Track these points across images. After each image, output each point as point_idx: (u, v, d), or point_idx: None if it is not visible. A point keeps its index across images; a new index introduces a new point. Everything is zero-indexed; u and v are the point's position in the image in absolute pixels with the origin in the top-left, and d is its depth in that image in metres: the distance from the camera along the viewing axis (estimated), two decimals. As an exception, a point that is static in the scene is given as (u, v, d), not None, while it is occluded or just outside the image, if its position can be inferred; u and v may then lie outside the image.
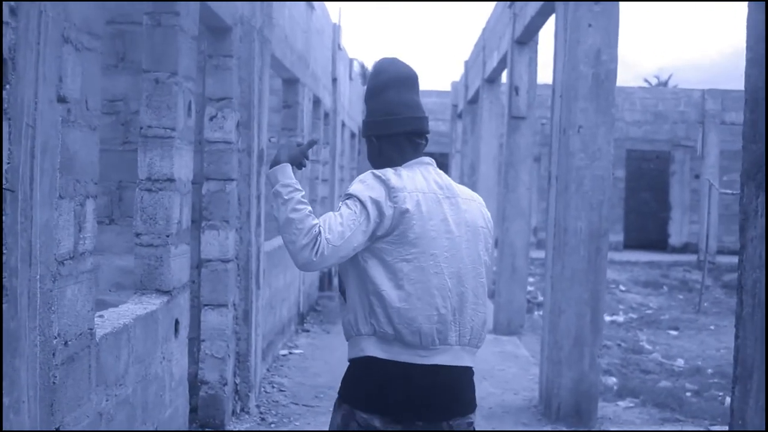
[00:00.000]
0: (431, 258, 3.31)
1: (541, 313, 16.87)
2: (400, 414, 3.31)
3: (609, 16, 7.21)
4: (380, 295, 3.29)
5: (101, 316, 4.47)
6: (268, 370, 9.30)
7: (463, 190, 3.56)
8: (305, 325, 12.60)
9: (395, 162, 3.51)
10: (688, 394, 10.31)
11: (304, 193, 3.41)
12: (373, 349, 3.32)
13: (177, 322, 5.40)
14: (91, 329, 3.80)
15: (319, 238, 3.24)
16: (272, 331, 9.70)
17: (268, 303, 9.19)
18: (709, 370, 12.36)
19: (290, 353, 10.48)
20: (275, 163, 3.52)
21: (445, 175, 3.55)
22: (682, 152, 29.83)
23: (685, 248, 29.71)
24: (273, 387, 8.65)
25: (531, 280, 18.42)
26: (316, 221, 3.29)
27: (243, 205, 7.38)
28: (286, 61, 10.07)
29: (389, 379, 3.30)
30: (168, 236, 5.21)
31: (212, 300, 7.04)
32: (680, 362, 13.12)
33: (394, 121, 3.51)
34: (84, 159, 3.62)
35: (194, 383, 7.07)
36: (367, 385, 3.34)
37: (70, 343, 3.51)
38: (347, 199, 3.37)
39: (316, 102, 14.10)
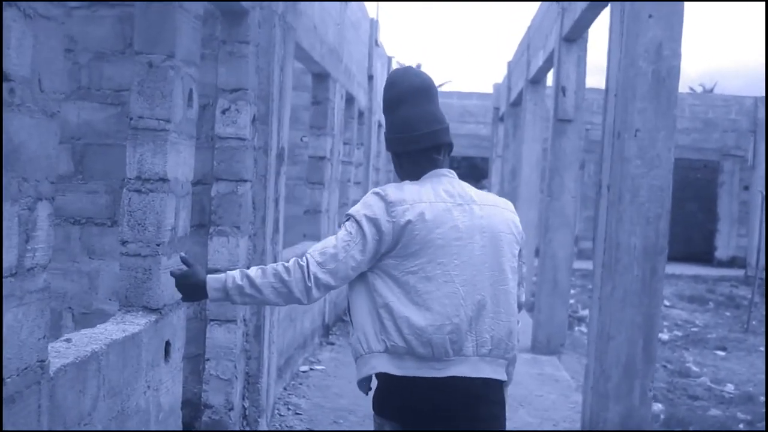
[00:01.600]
0: (439, 266, 3.25)
1: (583, 329, 16.15)
2: (412, 425, 3.26)
3: (673, 6, 6.39)
4: (388, 306, 3.24)
5: (68, 341, 3.73)
6: (285, 388, 8.54)
7: (484, 197, 3.48)
8: (330, 337, 11.76)
9: (415, 175, 3.48)
10: (741, 425, 9.55)
11: (239, 269, 3.44)
12: (385, 365, 3.26)
13: (168, 344, 4.66)
14: (42, 361, 3.07)
15: (305, 267, 3.28)
16: (291, 345, 8.94)
17: (286, 315, 8.45)
18: (762, 398, 11.63)
19: (311, 369, 9.68)
20: (194, 288, 3.49)
21: (462, 184, 3.49)
22: (732, 162, 28.89)
23: (732, 262, 28.80)
24: (288, 409, 7.88)
25: (572, 292, 17.64)
26: (281, 262, 3.34)
27: (258, 210, 6.65)
28: (314, 53, 9.33)
29: (402, 395, 3.25)
30: (159, 245, 4.47)
31: (219, 314, 6.32)
32: (730, 387, 12.40)
33: (409, 138, 3.46)
34: (34, 152, 2.90)
35: (197, 406, 6.36)
36: (381, 396, 3.32)
37: (9, 380, 2.79)
38: (346, 220, 3.40)
39: (350, 100, 13.36)
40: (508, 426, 3.65)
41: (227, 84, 6.38)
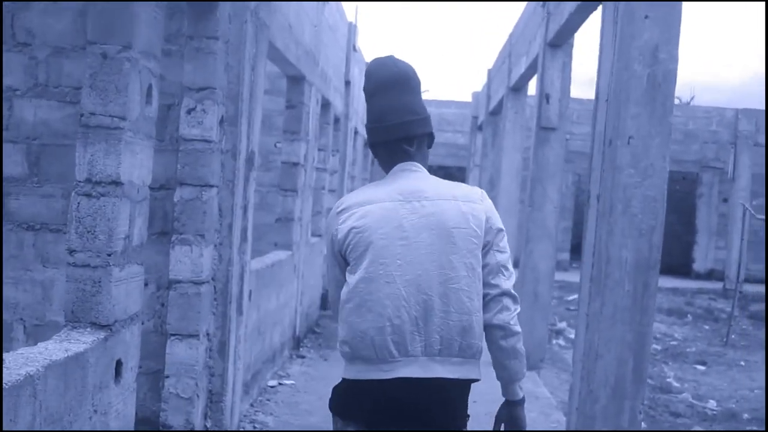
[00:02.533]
0: (381, 267, 3.23)
1: (561, 342, 15.82)
2: (369, 426, 3.26)
3: (670, 7, 6.01)
4: (341, 311, 3.32)
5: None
6: (251, 405, 8.08)
7: (441, 190, 3.37)
8: (301, 349, 11.27)
9: (390, 166, 3.48)
10: (728, 442, 9.26)
11: None
12: (345, 371, 3.33)
13: (119, 364, 4.23)
14: (-41, 391, 2.64)
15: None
16: (259, 359, 8.50)
17: (255, 328, 8.02)
18: (745, 415, 11.40)
19: (280, 384, 9.20)
20: None
21: (425, 178, 3.42)
22: (711, 174, 28.67)
23: (710, 275, 28.61)
24: (255, 428, 7.40)
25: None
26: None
27: (224, 217, 6.23)
28: (289, 55, 8.92)
29: (357, 398, 3.26)
30: (110, 255, 4.04)
31: (180, 329, 5.89)
32: (712, 404, 12.13)
33: (380, 129, 3.43)
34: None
35: (156, 426, 5.94)
36: (339, 397, 3.35)
37: None
38: None
39: (325, 105, 12.95)
40: None
41: (193, 82, 5.97)
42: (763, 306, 22.67)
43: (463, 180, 30.06)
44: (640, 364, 6.28)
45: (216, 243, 6.19)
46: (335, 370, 9.93)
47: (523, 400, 3.48)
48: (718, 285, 26.18)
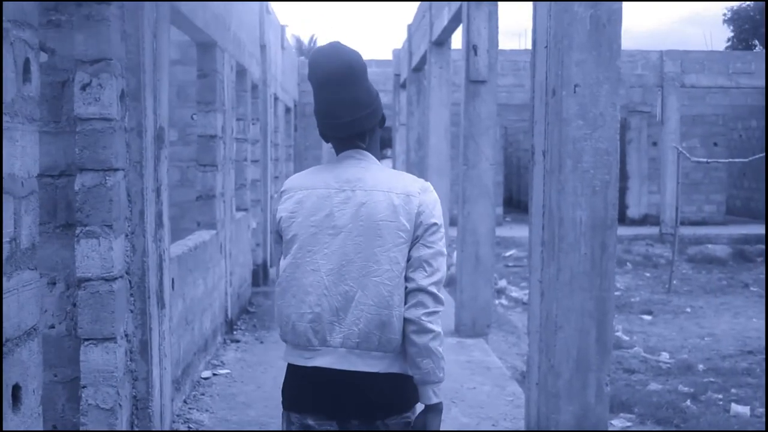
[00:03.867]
0: (308, 254, 3.26)
1: (504, 301, 15.42)
2: (311, 412, 3.26)
3: (612, -62, 5.49)
4: (276, 294, 3.36)
5: None
6: (185, 401, 7.45)
7: (378, 182, 3.30)
8: (235, 333, 10.65)
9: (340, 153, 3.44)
10: (688, 402, 8.92)
11: None
12: (284, 352, 3.37)
13: (17, 388, 3.60)
14: None
15: None
16: (190, 351, 7.87)
17: (182, 319, 7.39)
18: (700, 366, 11.14)
19: (214, 375, 8.57)
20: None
21: (366, 167, 3.35)
22: (639, 118, 28.49)
23: (644, 220, 28.56)
24: (189, 429, 6.80)
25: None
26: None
27: (134, 203, 5.58)
28: (197, 19, 8.24)
29: (286, 381, 3.32)
30: (-8, 264, 3.40)
31: (94, 332, 5.25)
32: (665, 356, 11.87)
33: (330, 125, 3.34)
34: None
35: (76, 443, 5.32)
36: (289, 392, 3.32)
37: None
38: None
39: (241, 71, 12.28)
40: (443, 427, 3.52)
41: (86, 54, 5.29)
42: (700, 249, 22.62)
43: (389, 141, 29.49)
44: (603, 332, 5.79)
45: (127, 233, 5.55)
46: (272, 353, 9.41)
47: (437, 407, 3.31)
48: (653, 230, 26.13)
